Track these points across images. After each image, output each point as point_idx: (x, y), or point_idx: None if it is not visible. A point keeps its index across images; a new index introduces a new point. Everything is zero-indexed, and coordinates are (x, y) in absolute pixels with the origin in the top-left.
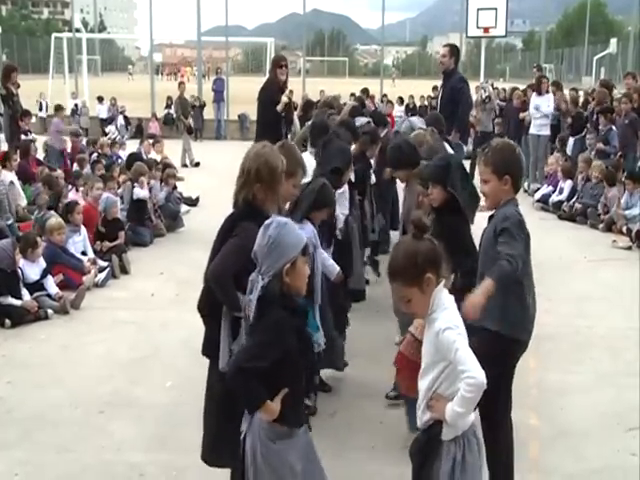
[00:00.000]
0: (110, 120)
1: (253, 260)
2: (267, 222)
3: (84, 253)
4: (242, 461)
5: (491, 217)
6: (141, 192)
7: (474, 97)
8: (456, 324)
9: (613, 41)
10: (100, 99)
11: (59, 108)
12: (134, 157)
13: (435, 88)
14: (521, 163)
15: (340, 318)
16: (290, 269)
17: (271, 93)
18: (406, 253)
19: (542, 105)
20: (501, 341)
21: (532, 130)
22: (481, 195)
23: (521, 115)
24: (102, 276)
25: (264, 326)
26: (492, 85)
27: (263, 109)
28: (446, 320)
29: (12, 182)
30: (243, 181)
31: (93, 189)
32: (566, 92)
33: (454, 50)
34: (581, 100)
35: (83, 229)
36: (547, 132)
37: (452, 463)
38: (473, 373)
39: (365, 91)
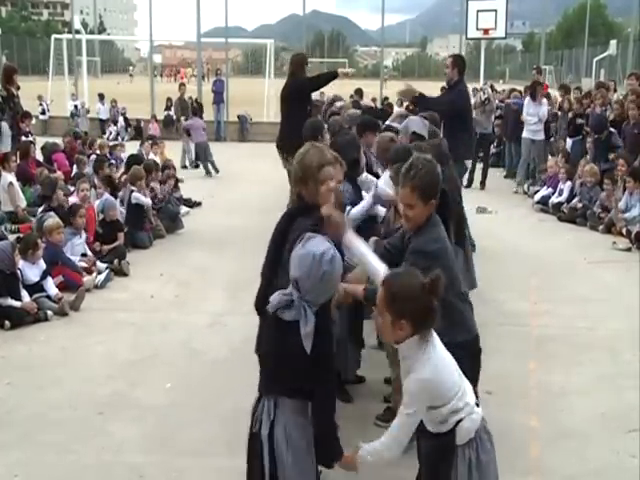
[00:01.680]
0: (111, 121)
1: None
2: (319, 252)
3: (84, 255)
4: (271, 452)
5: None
6: (142, 198)
7: (473, 100)
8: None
9: (613, 43)
10: (101, 96)
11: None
12: (135, 159)
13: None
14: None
15: (356, 326)
16: None
17: (302, 91)
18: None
19: (537, 112)
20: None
21: (526, 134)
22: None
23: (522, 117)
24: (101, 278)
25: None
26: (491, 87)
27: (291, 108)
28: (418, 376)
29: (11, 183)
30: (292, 181)
31: (78, 190)
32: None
33: (457, 61)
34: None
35: (83, 233)
36: (542, 137)
37: (468, 465)
38: (393, 449)
39: (358, 92)
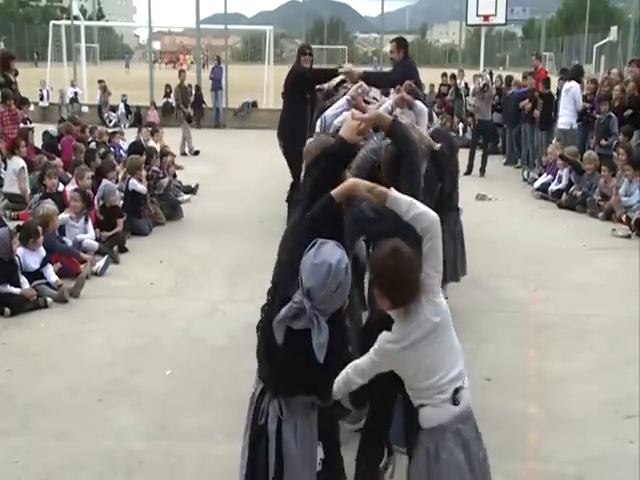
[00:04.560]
0: (109, 108)
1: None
2: (334, 262)
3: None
4: (279, 448)
5: None
6: (138, 185)
7: (472, 86)
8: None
9: (613, 29)
10: (101, 82)
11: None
12: (135, 147)
13: (445, 75)
14: None
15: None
16: None
17: (297, 81)
18: None
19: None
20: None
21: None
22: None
23: (521, 104)
24: (101, 264)
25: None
26: (490, 73)
27: (289, 95)
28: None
29: (23, 168)
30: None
31: (84, 179)
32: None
33: (401, 43)
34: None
35: (86, 221)
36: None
37: (426, 453)
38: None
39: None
